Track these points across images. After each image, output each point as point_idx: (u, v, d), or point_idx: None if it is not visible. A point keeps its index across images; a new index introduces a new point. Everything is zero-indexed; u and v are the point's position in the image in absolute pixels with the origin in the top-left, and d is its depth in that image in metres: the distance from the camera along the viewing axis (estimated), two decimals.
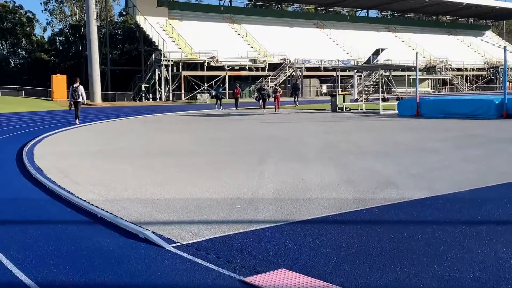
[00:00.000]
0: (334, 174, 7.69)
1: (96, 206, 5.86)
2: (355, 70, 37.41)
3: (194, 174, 7.97)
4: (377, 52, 49.11)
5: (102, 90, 58.74)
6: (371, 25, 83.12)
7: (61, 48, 76.27)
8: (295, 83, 38.87)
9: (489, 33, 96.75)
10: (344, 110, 26.46)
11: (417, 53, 22.58)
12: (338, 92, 28.15)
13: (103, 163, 9.44)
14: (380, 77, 39.02)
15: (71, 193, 6.62)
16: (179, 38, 61.26)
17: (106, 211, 5.60)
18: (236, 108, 32.71)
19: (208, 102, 49.45)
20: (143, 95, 57.07)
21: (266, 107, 30.04)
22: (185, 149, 11.47)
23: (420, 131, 15.18)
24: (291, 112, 27.80)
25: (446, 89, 74.45)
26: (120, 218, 5.27)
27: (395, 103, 25.67)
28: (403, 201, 5.90)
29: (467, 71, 78.66)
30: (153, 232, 4.71)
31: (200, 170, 8.36)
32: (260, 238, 4.58)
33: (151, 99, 56.91)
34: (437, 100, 22.46)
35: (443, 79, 75.44)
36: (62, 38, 74.80)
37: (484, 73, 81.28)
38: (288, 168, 8.28)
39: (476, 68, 79.81)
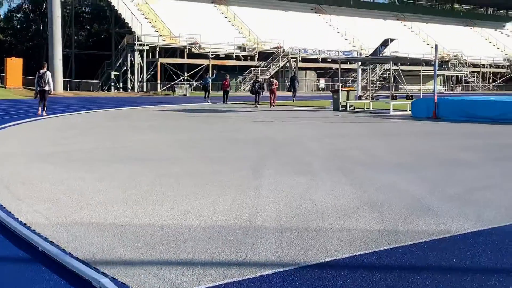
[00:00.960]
0: (351, 193, 6.85)
1: (38, 234, 4.95)
2: (360, 63, 36.69)
3: (172, 189, 7.09)
4: (386, 42, 48.51)
5: (64, 77, 57.56)
6: (377, 12, 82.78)
7: (19, 27, 74.82)
8: (293, 76, 38.04)
9: (510, 25, 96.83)
10: (348, 109, 25.71)
11: (436, 45, 21.91)
12: (341, 87, 27.33)
13: (56, 170, 8.51)
14: (389, 72, 38.41)
15: (9, 213, 5.71)
16: (156, 20, 60.23)
17: (51, 242, 4.70)
18: (225, 103, 32.23)
19: (188, 95, 48.55)
20: (113, 84, 56.00)
21: (260, 102, 29.36)
22: (161, 154, 10.57)
23: (443, 137, 14.43)
24: (286, 110, 27.01)
25: (460, 88, 74.29)
26: (69, 254, 4.37)
27: (407, 102, 24.99)
28: (448, 236, 5.07)
29: (484, 67, 78.51)
30: (113, 280, 3.83)
31: (179, 183, 7.48)
32: None
33: (121, 89, 55.85)
34: (459, 100, 21.79)
35: (457, 76, 75.25)
36: (20, 15, 73.28)
37: (503, 70, 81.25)
38: (291, 183, 7.43)
39: (495, 65, 79.70)
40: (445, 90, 73.52)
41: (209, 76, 38.94)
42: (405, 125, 18.49)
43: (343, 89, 26.67)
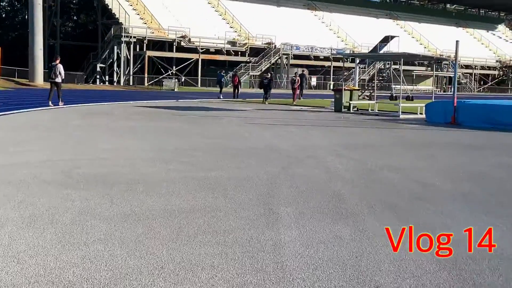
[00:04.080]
0: (434, 264, 4.02)
1: None
2: (357, 61, 33.94)
3: (134, 254, 4.21)
4: (386, 40, 45.83)
5: (48, 68, 54.26)
6: (369, 10, 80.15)
7: (4, 15, 71.30)
8: (302, 74, 36.61)
9: (502, 27, 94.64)
10: (351, 110, 22.91)
11: (457, 41, 19.18)
12: (345, 86, 24.49)
13: None
14: (387, 71, 35.62)
15: None
16: (144, 11, 57.07)
17: None
18: (235, 97, 32.76)
19: (176, 90, 45.46)
20: (98, 77, 52.78)
21: (268, 98, 29.61)
22: (134, 173, 7.65)
23: (488, 152, 11.67)
24: (284, 109, 24.14)
25: (452, 89, 71.75)
26: None
27: (416, 104, 22.24)
28: None
29: (476, 69, 76.11)
30: None
31: (149, 237, 4.61)
32: None
33: (107, 82, 52.65)
34: (481, 105, 19.06)
35: (449, 77, 72.64)
36: (5, 3, 69.71)
37: (495, 72, 78.95)
38: (328, 239, 4.60)
39: (487, 67, 77.36)
40: (438, 90, 71.08)
41: (223, 72, 38.60)
42: (427, 132, 15.71)
43: (346, 88, 23.81)
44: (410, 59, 31.16)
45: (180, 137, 12.27)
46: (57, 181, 6.80)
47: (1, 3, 70.40)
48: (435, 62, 27.88)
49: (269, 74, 32.68)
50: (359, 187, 7.10)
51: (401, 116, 20.58)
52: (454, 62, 20.08)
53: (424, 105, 21.16)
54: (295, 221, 5.27)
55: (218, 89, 36.01)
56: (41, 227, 4.78)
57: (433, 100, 20.69)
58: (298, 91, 31.21)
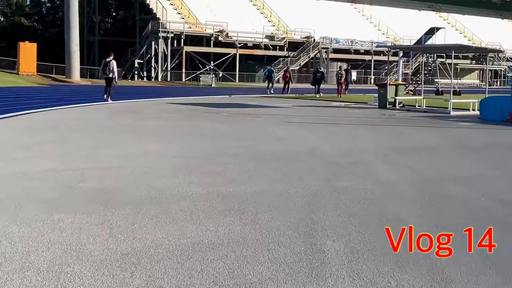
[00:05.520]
0: None
1: None
2: (401, 55, 32.14)
3: None
4: (431, 31, 43.60)
5: (87, 64, 53.87)
6: (411, 2, 77.25)
7: (45, 12, 71.37)
8: (347, 69, 36.04)
9: None
10: (397, 107, 21.23)
11: None
12: (390, 81, 22.77)
13: None
14: (433, 64, 33.72)
15: None
16: (182, 6, 56.05)
17: None
18: (284, 93, 32.16)
19: (213, 85, 44.30)
20: (136, 73, 52.03)
21: (320, 91, 30.04)
22: (147, 188, 6.33)
23: None
24: (324, 106, 22.64)
25: (498, 83, 68.76)
26: None
27: (468, 100, 20.45)
28: None
29: None
30: None
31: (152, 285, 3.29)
32: None
33: (145, 78, 51.88)
34: None
35: (495, 71, 69.68)
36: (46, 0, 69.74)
37: None
38: None
39: None
40: (483, 84, 68.23)
41: (272, 68, 38.02)
42: (486, 132, 14.03)
43: (391, 82, 22.11)
44: (463, 51, 29.13)
45: (209, 139, 10.95)
46: (52, 200, 5.55)
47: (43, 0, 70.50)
48: (487, 54, 25.74)
49: (321, 68, 33.56)
50: (422, 208, 5.64)
51: (452, 113, 18.84)
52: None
53: (477, 100, 19.40)
54: (347, 265, 3.87)
55: (265, 84, 35.98)
56: (3, 277, 3.50)
57: (488, 96, 18.86)
58: (344, 86, 30.77)
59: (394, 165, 8.36)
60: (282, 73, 39.13)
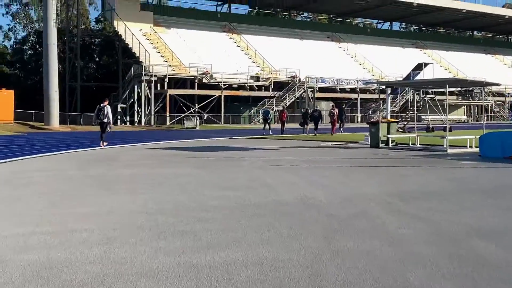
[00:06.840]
0: None
1: None
2: (388, 92, 31.34)
3: None
4: (419, 67, 43.08)
5: (69, 111, 52.67)
6: (394, 40, 77.73)
7: (27, 59, 70.40)
8: (341, 108, 36.06)
9: None
10: (390, 145, 20.15)
11: None
12: (381, 119, 21.72)
13: None
14: (422, 100, 32.93)
15: None
16: (165, 49, 55.44)
17: None
18: (282, 134, 31.95)
19: (198, 128, 43.19)
20: (119, 117, 50.81)
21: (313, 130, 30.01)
22: (103, 260, 5.02)
23: None
24: (315, 146, 21.51)
25: (485, 118, 68.35)
26: None
27: (465, 137, 19.40)
28: None
29: (509, 96, 72.65)
30: None
31: None
32: None
33: (128, 123, 50.70)
34: None
35: (481, 106, 69.39)
36: (26, 47, 68.84)
37: None
38: None
39: None
40: (470, 119, 67.91)
41: (269, 108, 38.89)
42: (492, 172, 12.91)
43: (383, 120, 21.07)
44: (457, 85, 28.34)
45: (187, 189, 9.67)
46: None
47: (24, 47, 69.65)
48: (481, 86, 24.89)
49: (317, 106, 34.54)
50: (452, 279, 4.40)
51: (449, 151, 17.76)
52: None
53: (474, 137, 18.39)
54: None
55: (261, 125, 36.59)
56: None
57: (485, 132, 17.83)
58: (336, 125, 30.94)
59: (402, 215, 7.13)
60: (279, 114, 39.58)
